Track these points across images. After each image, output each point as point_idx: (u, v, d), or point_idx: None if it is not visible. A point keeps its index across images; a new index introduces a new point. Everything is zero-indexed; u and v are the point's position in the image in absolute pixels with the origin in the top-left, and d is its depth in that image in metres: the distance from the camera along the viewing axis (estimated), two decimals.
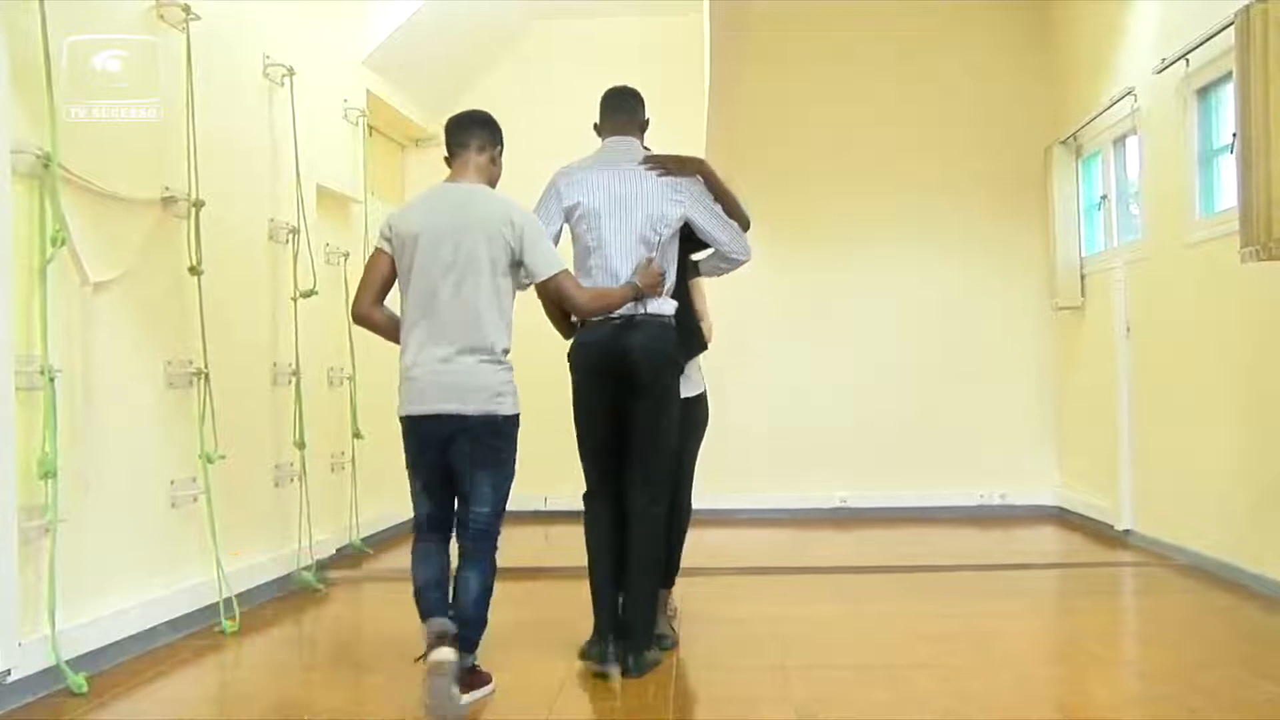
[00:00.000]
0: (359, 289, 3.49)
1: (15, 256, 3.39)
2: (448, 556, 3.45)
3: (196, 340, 4.36)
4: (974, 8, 7.62)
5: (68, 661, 3.48)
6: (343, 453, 6.04)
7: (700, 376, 4.09)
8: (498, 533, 3.44)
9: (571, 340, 3.80)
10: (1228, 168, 5.09)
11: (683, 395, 3.87)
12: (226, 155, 4.70)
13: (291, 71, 5.24)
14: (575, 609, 4.03)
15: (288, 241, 5.28)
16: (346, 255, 6.06)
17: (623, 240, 3.72)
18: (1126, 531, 6.17)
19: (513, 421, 3.41)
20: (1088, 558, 6.02)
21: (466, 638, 3.32)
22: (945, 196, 7.59)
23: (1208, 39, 4.92)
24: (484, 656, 3.48)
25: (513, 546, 3.81)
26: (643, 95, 3.98)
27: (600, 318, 3.65)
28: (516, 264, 3.41)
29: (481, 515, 3.38)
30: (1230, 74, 4.71)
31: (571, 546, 4.10)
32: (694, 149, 4.86)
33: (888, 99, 7.64)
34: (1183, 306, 5.50)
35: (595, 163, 3.85)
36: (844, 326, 7.66)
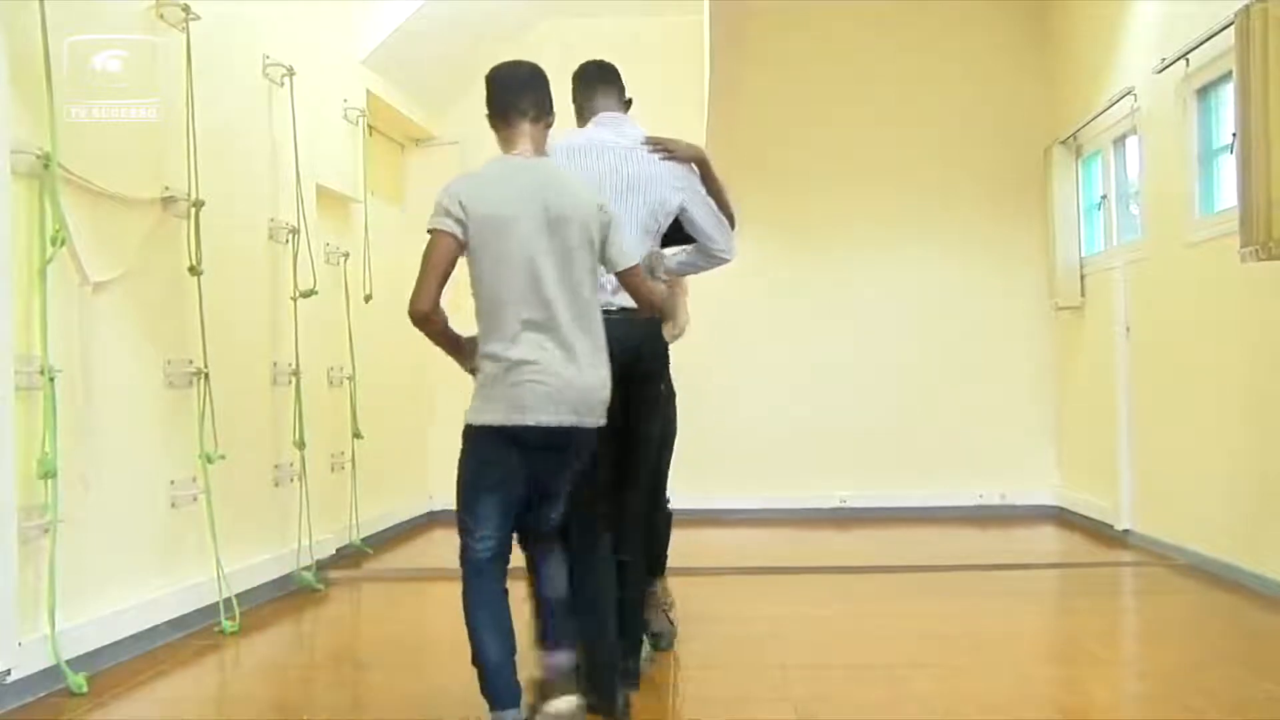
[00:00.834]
0: (422, 281, 2.81)
1: (15, 256, 3.39)
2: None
3: (196, 340, 4.35)
4: (974, 8, 7.61)
5: (67, 661, 3.48)
6: (343, 452, 6.03)
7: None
8: None
9: None
10: (1228, 168, 5.08)
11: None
12: (226, 155, 4.70)
13: (291, 71, 5.24)
14: None
15: (288, 241, 5.27)
16: (346, 255, 6.04)
17: (628, 228, 3.21)
18: (1126, 531, 6.17)
19: None
20: (1087, 558, 6.02)
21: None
22: (945, 196, 7.59)
23: (1207, 39, 4.92)
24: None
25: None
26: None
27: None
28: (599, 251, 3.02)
29: (556, 518, 3.04)
30: (1230, 74, 4.71)
31: None
32: None
33: (888, 99, 7.64)
34: (1182, 306, 5.50)
35: (599, 134, 3.41)
36: (844, 326, 7.65)
